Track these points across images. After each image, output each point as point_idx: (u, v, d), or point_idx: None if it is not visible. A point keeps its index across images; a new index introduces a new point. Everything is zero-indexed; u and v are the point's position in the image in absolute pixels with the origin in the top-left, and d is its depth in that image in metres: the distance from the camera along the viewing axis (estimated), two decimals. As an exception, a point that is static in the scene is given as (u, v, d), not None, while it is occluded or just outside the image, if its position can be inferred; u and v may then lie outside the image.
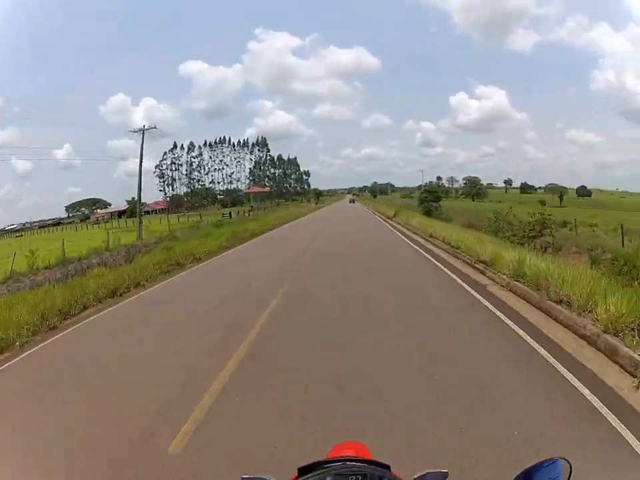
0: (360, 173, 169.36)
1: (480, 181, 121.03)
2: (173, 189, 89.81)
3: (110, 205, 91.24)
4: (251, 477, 0.95)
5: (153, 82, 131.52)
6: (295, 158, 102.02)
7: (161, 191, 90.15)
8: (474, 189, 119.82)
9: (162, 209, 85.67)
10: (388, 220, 29.55)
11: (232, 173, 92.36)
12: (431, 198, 41.03)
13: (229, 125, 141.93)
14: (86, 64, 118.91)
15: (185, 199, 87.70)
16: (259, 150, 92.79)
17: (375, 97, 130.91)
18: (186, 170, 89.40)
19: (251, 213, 48.91)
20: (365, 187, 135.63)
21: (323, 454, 1.22)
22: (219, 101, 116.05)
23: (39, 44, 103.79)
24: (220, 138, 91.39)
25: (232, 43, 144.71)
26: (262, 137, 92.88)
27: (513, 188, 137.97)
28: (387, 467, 0.87)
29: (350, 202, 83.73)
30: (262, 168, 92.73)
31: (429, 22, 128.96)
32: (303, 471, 0.85)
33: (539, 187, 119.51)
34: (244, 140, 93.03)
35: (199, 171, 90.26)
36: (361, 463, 0.87)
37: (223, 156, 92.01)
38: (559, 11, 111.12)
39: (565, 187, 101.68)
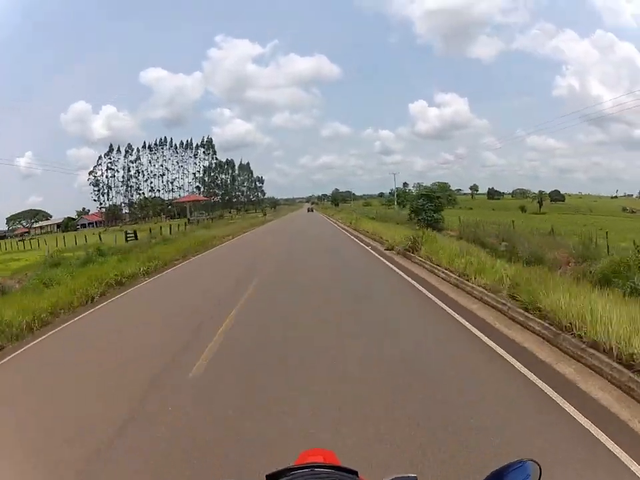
0: (318, 182, 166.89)
1: (449, 186, 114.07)
2: (108, 198, 74.44)
3: (51, 217, 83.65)
4: None
5: (114, 89, 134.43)
6: (248, 163, 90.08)
7: (95, 200, 78.74)
8: (444, 195, 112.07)
9: (100, 222, 76.72)
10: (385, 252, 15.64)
11: (174, 179, 78.04)
12: (429, 206, 29.11)
13: (188, 134, 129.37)
14: (46, 70, 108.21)
15: (124, 210, 72.55)
16: (204, 152, 78.87)
17: (334, 105, 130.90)
18: (123, 177, 74.10)
19: (186, 227, 38.67)
20: (324, 195, 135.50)
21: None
22: (179, 110, 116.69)
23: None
24: (161, 139, 77.04)
25: (192, 50, 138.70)
26: (208, 138, 78.89)
27: (479, 194, 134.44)
28: (355, 473, 0.88)
29: (308, 211, 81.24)
30: (210, 174, 79.18)
31: (390, 30, 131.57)
32: (270, 478, 0.85)
33: (505, 193, 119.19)
34: (187, 141, 78.77)
35: (137, 178, 75.38)
36: (329, 469, 0.87)
37: (164, 160, 77.53)
38: (524, 18, 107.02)
39: (530, 191, 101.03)
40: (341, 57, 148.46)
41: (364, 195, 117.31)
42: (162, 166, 79.55)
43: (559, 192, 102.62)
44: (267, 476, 0.85)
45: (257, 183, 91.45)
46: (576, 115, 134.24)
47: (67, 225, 74.20)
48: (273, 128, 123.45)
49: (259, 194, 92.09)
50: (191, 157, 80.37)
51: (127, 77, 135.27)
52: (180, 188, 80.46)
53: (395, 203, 61.90)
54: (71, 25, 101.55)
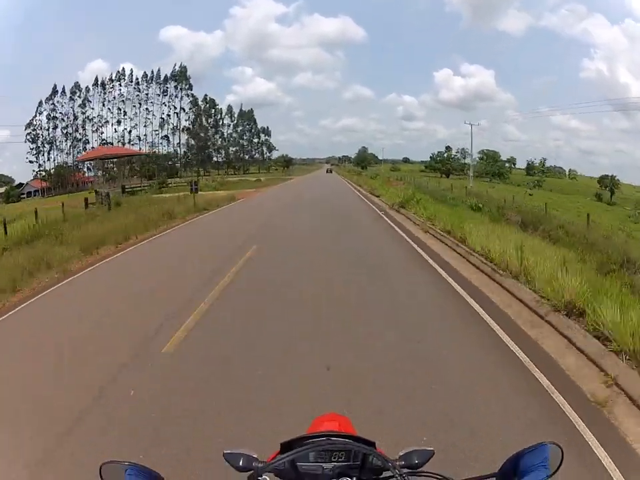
0: (338, 144, 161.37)
1: (500, 156, 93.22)
2: (49, 158, 58.09)
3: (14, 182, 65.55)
4: (233, 452, 0.96)
5: (133, 47, 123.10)
6: (251, 110, 71.25)
7: (31, 162, 60.44)
8: (494, 167, 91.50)
9: (48, 189, 60.93)
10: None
11: (134, 127, 61.43)
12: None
13: (208, 91, 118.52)
14: (66, 28, 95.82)
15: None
16: (176, 88, 60.58)
17: (357, 67, 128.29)
18: (65, 127, 57.35)
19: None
20: (344, 156, 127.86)
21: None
22: (200, 68, 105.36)
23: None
24: (118, 71, 58.95)
25: (214, 8, 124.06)
26: (181, 66, 60.46)
27: (518, 168, 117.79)
28: (372, 444, 0.89)
29: (327, 172, 76.29)
30: (184, 117, 61.43)
31: None
32: (285, 446, 0.87)
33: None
34: (154, 72, 60.38)
35: (83, 128, 58.13)
36: (345, 439, 0.88)
37: (123, 100, 59.46)
38: None
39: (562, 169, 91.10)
40: (366, 20, 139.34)
41: (386, 159, 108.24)
42: (120, 109, 60.41)
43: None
44: (281, 444, 0.88)
45: (262, 135, 72.53)
46: (602, 100, 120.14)
47: (9, 195, 57.62)
48: (294, 88, 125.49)
49: (264, 149, 73.39)
50: (158, 95, 60.59)
51: (146, 35, 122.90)
52: (142, 139, 61.81)
53: (471, 175, 43.73)
54: None
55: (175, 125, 61.20)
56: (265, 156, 77.11)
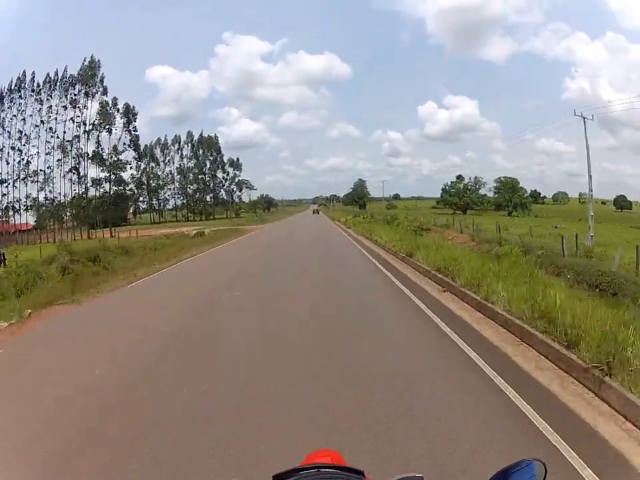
0: (325, 184, 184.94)
1: (519, 184, 78.88)
2: None
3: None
4: None
5: (120, 87, 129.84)
6: (215, 136, 56.35)
7: None
8: (514, 197, 76.09)
9: None
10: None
11: (32, 156, 44.50)
12: None
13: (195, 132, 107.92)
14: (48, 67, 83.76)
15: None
16: (86, 95, 44.70)
17: (343, 105, 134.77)
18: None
19: None
20: (333, 195, 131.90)
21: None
22: (185, 108, 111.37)
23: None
24: (18, 77, 43.31)
25: (199, 48, 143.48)
26: (91, 60, 44.58)
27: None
28: (361, 473, 0.92)
29: (314, 212, 72.62)
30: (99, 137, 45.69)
31: (403, 29, 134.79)
32: (277, 478, 0.88)
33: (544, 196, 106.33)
34: (58, 74, 44.44)
35: None
36: (335, 470, 0.91)
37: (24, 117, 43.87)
38: (536, 19, 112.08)
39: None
40: (351, 56, 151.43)
41: (375, 197, 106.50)
42: (21, 132, 43.76)
43: (626, 198, 72.15)
44: (273, 476, 0.88)
45: (230, 169, 56.87)
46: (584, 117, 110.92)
47: None
48: (280, 128, 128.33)
49: (233, 187, 57.41)
50: (63, 108, 44.20)
51: (132, 75, 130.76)
52: (42, 174, 44.56)
53: (591, 214, 27.22)
54: (73, 18, 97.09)
55: (79, 149, 43.91)
56: (235, 196, 61.51)
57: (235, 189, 63.30)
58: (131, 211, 66.18)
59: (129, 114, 44.17)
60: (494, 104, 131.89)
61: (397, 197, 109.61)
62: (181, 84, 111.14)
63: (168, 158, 64.54)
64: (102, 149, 42.51)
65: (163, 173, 64.08)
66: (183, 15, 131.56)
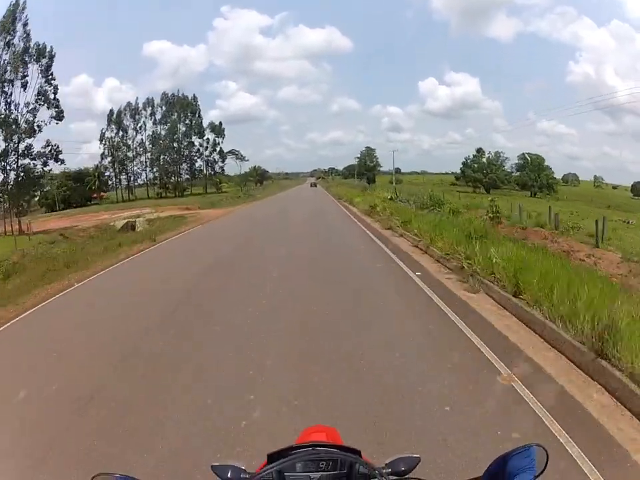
0: (325, 157, 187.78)
1: (544, 162, 69.58)
2: None
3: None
4: (221, 464, 0.97)
5: (117, 62, 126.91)
6: (194, 97, 46.45)
7: None
8: (541, 176, 66.83)
9: None
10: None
11: None
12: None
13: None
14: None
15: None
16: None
17: (343, 79, 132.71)
18: None
19: None
20: (331, 169, 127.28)
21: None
22: (183, 82, 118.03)
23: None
24: None
25: (197, 21, 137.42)
26: (15, 3, 32.90)
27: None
28: (358, 452, 0.92)
29: (311, 186, 67.98)
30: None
31: (407, 2, 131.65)
32: (272, 456, 0.89)
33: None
34: None
35: None
36: (331, 448, 0.91)
37: None
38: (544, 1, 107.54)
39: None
40: (353, 30, 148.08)
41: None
42: None
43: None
44: (268, 455, 0.89)
45: (211, 134, 47.08)
46: (589, 103, 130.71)
47: None
48: (279, 102, 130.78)
49: (214, 156, 47.66)
50: None
51: (130, 49, 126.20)
52: None
53: None
54: None
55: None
56: (217, 167, 51.66)
57: (216, 159, 53.74)
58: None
59: (44, 57, 32.99)
60: (496, 83, 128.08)
61: (397, 170, 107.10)
62: (179, 58, 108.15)
63: (140, 124, 54.62)
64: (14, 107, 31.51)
65: (133, 142, 54.36)
66: None
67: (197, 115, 52.30)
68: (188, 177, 53.40)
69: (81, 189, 59.44)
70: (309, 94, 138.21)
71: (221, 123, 57.18)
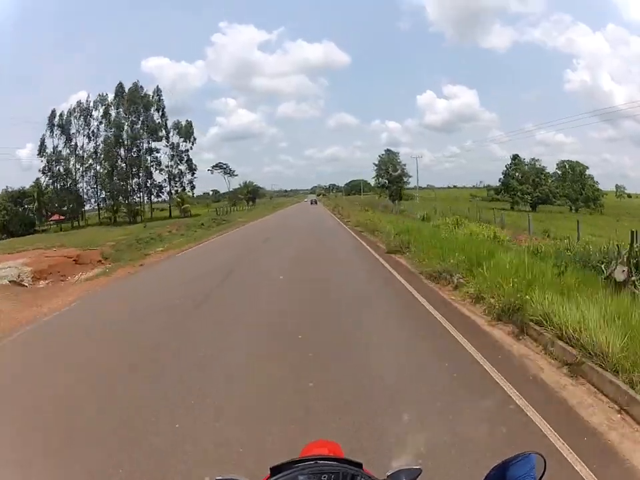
0: (323, 173, 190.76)
1: (586, 169, 57.81)
2: None
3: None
4: (225, 478, 0.98)
5: (115, 77, 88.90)
6: (158, 90, 36.41)
7: None
8: (585, 188, 54.58)
9: None
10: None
11: None
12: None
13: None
14: (43, 60, 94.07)
15: None
16: None
17: (342, 94, 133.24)
18: None
19: None
20: (332, 185, 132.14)
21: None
22: (181, 99, 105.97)
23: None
24: None
25: (195, 37, 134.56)
26: None
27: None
28: (359, 465, 0.92)
29: (312, 203, 68.46)
30: None
31: (402, 16, 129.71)
32: (275, 470, 0.89)
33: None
34: None
35: None
36: (332, 462, 0.92)
37: None
38: (537, 9, 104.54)
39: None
40: (350, 44, 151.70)
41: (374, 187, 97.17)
42: None
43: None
44: (271, 468, 0.90)
45: (176, 137, 35.38)
46: (587, 112, 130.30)
47: None
48: (278, 118, 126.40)
49: (180, 168, 35.91)
50: None
51: (127, 66, 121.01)
52: None
53: None
54: (69, 10, 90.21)
55: None
56: (185, 181, 39.04)
57: (183, 171, 41.50)
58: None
59: None
60: (493, 94, 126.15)
61: (429, 186, 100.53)
62: (177, 74, 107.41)
63: (92, 129, 42.64)
64: None
65: (82, 152, 42.26)
66: (178, 5, 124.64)
67: (153, 112, 40.30)
68: (150, 195, 40.82)
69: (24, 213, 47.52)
70: (307, 109, 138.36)
71: (190, 123, 45.52)
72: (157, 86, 47.53)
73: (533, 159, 56.14)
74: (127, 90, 40.91)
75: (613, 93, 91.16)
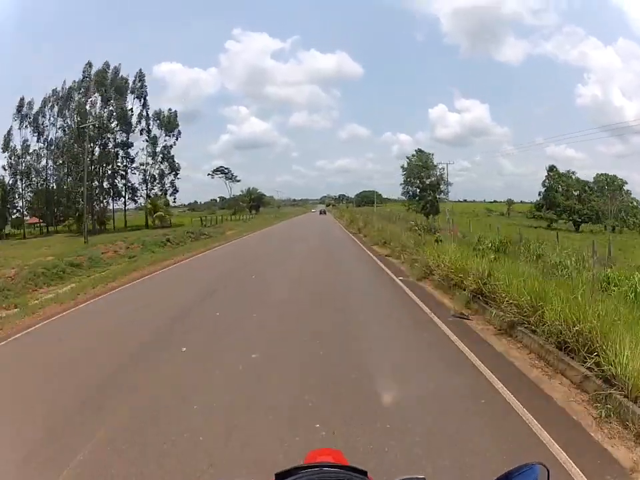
0: (334, 184, 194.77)
1: (624, 185, 49.93)
2: None
3: None
4: None
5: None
6: (141, 74, 32.15)
7: None
8: (622, 206, 46.64)
9: None
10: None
11: None
12: None
13: (203, 131, 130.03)
14: (52, 66, 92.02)
15: None
16: None
17: (353, 105, 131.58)
18: None
19: None
20: (342, 195, 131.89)
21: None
22: (193, 106, 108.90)
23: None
24: None
25: (209, 44, 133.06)
26: None
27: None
28: (364, 473, 0.91)
29: (320, 213, 69.07)
30: None
31: (416, 28, 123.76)
32: (279, 476, 0.87)
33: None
34: None
35: None
36: (338, 469, 0.90)
37: None
38: (551, 22, 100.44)
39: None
40: (363, 55, 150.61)
41: (387, 198, 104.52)
42: None
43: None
44: (276, 475, 0.87)
45: (159, 130, 30.23)
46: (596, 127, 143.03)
47: None
48: (290, 128, 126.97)
49: (162, 170, 30.99)
50: None
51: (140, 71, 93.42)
52: None
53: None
54: (80, 16, 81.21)
55: None
56: (167, 183, 32.64)
57: (165, 171, 34.91)
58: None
59: None
60: (505, 107, 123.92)
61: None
62: (190, 80, 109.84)
63: (48, 122, 36.40)
64: None
65: (54, 147, 36.14)
66: (191, 12, 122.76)
67: (134, 100, 33.75)
68: (114, 199, 34.17)
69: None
70: (318, 120, 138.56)
71: (175, 113, 39.53)
72: (140, 69, 40.72)
73: (568, 171, 49.65)
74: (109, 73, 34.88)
75: (624, 107, 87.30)
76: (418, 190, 37.63)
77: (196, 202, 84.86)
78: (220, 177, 67.94)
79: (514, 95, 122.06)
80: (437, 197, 33.60)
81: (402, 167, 40.96)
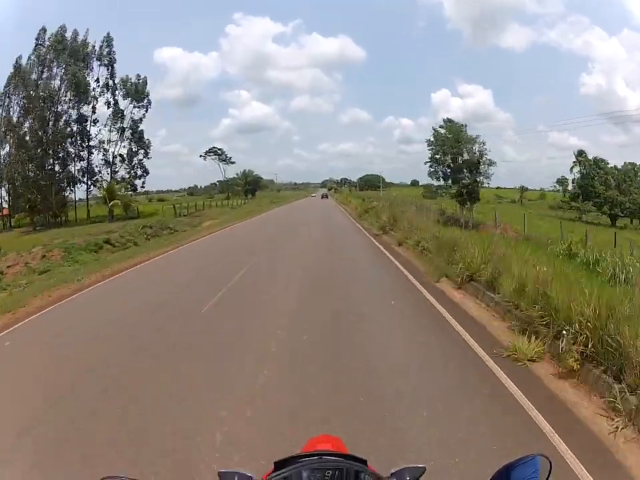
0: (335, 168, 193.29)
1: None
2: None
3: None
4: (228, 471, 0.96)
5: (126, 70, 77.87)
6: (107, 40, 25.34)
7: None
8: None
9: None
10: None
11: None
12: None
13: (204, 115, 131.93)
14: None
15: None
16: None
17: (356, 90, 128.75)
18: None
19: None
20: (344, 179, 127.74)
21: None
22: (194, 90, 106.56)
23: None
24: None
25: (210, 28, 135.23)
26: None
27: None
28: (364, 462, 0.91)
29: (323, 197, 69.80)
30: None
31: (420, 12, 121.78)
32: (279, 465, 0.87)
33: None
34: None
35: None
36: (337, 457, 0.90)
37: None
38: (554, 10, 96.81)
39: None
40: (366, 40, 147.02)
41: (390, 182, 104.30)
42: None
43: None
44: (275, 463, 0.88)
45: (125, 100, 25.26)
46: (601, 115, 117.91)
47: None
48: (291, 112, 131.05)
49: (132, 149, 26.29)
50: None
51: (139, 55, 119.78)
52: None
53: None
54: (80, 16, 74.95)
55: None
56: (136, 162, 27.53)
57: (135, 150, 29.83)
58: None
59: None
60: (508, 94, 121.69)
61: (415, 183, 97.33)
62: (190, 64, 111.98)
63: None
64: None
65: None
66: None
67: (99, 67, 28.41)
68: (73, 184, 29.01)
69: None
70: (320, 103, 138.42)
71: (145, 80, 34.17)
72: (108, 33, 34.66)
73: (595, 158, 44.04)
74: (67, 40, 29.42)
75: (628, 97, 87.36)
76: (448, 170, 30.25)
77: (196, 186, 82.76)
78: (213, 159, 62.74)
79: (517, 82, 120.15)
80: (477, 179, 25.37)
81: (428, 140, 27.66)
